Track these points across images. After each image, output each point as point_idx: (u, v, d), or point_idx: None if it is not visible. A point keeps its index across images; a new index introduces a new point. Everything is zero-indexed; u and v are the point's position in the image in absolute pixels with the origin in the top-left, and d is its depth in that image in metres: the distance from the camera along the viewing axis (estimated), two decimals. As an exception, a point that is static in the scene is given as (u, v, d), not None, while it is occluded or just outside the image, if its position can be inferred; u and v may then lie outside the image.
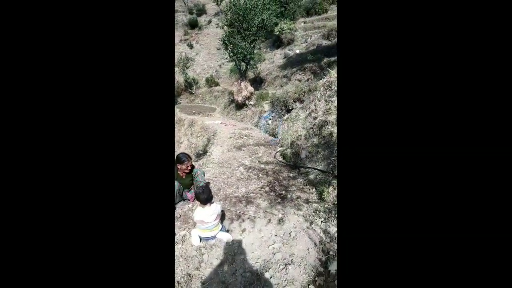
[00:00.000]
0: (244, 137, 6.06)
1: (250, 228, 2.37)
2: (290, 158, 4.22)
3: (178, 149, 7.81)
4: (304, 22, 14.32)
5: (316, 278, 1.78)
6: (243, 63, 10.20)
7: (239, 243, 2.17)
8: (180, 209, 2.71)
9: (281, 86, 9.01)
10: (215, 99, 12.55)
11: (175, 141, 8.54)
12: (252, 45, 9.53)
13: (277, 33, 13.19)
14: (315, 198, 2.91)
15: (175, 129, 8.95)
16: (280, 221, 2.47)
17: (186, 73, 13.86)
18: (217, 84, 13.62)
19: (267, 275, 1.82)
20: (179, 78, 14.40)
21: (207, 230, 2.09)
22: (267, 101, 7.83)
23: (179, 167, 2.74)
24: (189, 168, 2.78)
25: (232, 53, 9.82)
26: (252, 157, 4.56)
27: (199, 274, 1.85)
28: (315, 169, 3.49)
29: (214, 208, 2.13)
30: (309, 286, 1.71)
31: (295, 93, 6.03)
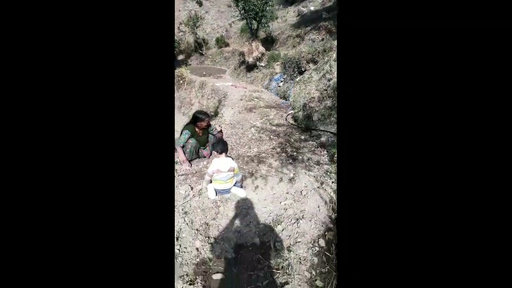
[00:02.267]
0: (255, 99, 5.96)
1: (262, 185, 2.43)
2: (302, 120, 4.16)
3: (190, 111, 7.79)
4: (321, -24, 13.08)
5: (325, 233, 1.85)
6: (254, 21, 9.61)
7: (252, 198, 2.24)
8: (196, 165, 2.78)
9: (294, 46, 8.55)
10: (225, 61, 12.14)
11: (187, 103, 8.48)
12: (264, 1, 8.88)
13: (291, -12, 12.18)
14: (327, 160, 2.91)
15: (186, 91, 8.85)
16: (292, 180, 2.51)
17: (196, 33, 13.24)
18: (227, 45, 13.07)
19: (279, 227, 1.91)
20: (188, 38, 13.82)
21: (222, 182, 2.16)
22: (278, 62, 7.51)
23: (198, 125, 2.79)
24: (207, 125, 2.83)
25: (243, 10, 9.21)
26: (264, 119, 4.51)
27: (215, 224, 1.95)
28: (327, 131, 3.45)
29: (229, 160, 2.19)
30: (319, 240, 1.79)
31: (309, 53, 5.74)
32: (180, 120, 6.81)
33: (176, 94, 9.06)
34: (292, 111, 4.69)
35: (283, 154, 3.10)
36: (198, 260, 1.66)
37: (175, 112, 8.29)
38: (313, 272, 1.56)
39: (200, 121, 2.75)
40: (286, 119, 4.43)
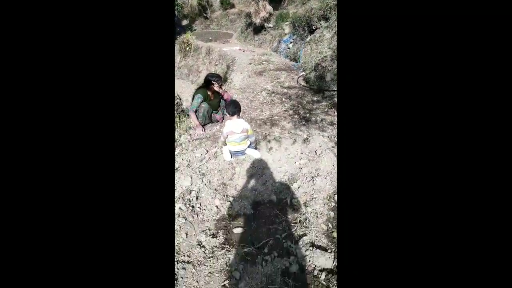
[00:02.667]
0: (264, 62, 5.74)
1: (276, 147, 2.42)
2: (314, 81, 4.00)
3: (198, 79, 7.63)
4: None
5: (340, 189, 1.86)
6: (260, -23, 8.86)
7: (267, 159, 2.25)
8: (210, 129, 2.78)
9: (304, 3, 7.93)
10: (231, 24, 11.53)
11: (195, 71, 8.29)
12: (270, -47, 8.10)
13: None
14: (340, 119, 2.84)
15: (193, 58, 8.59)
16: (305, 141, 2.48)
17: (199, -6, 12.44)
18: (232, 6, 12.29)
19: (295, 185, 1.93)
20: (191, 1, 13.06)
21: (236, 143, 2.17)
22: (287, 22, 7.05)
23: (211, 88, 2.72)
24: (220, 88, 2.77)
25: (248, -35, 8.47)
26: (274, 82, 4.37)
27: (233, 183, 1.99)
28: (340, 91, 3.32)
29: (242, 122, 2.17)
30: (335, 196, 1.81)
31: (320, 9, 5.32)
32: (189, 88, 6.70)
33: (183, 62, 8.82)
34: (303, 73, 4.50)
35: (296, 116, 3.04)
36: (218, 216, 1.73)
37: (184, 80, 8.16)
38: (330, 225, 1.60)
39: (212, 84, 2.69)
40: (297, 81, 4.27)
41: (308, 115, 3.03)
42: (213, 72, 7.02)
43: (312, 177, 1.97)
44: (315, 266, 1.36)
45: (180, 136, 2.66)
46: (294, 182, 1.95)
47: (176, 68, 8.54)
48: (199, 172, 2.10)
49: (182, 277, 1.35)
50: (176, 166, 2.18)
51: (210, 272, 1.37)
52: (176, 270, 1.38)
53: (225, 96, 2.82)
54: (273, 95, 3.75)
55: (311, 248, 1.44)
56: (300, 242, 1.49)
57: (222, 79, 2.78)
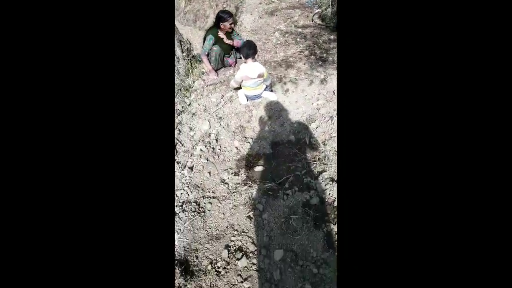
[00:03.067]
0: (276, 1, 5.21)
1: (293, 88, 2.32)
2: (331, 19, 3.63)
3: (205, 25, 7.13)
4: None
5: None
6: None
7: (283, 101, 2.18)
8: (223, 74, 2.67)
9: None
10: (237, -42, 10.24)
11: (202, 16, 7.70)
12: None
13: None
14: (360, 58, 2.63)
15: (199, 1, 7.90)
16: (323, 81, 2.35)
17: None
18: None
19: (313, 125, 1.89)
20: None
21: (252, 88, 2.08)
22: (301, -49, 6.15)
23: (221, 26, 2.53)
24: (232, 28, 2.57)
25: None
26: (287, 21, 4.01)
27: (250, 126, 1.98)
28: (361, 27, 3.01)
29: (257, 65, 2.05)
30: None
31: None
32: (197, 35, 6.30)
33: (188, 7, 8.16)
34: (318, 10, 4.07)
35: (312, 56, 2.83)
36: (238, 157, 1.76)
37: (191, 27, 7.65)
38: (349, 162, 1.59)
39: (223, 21, 2.49)
40: (312, 19, 3.89)
41: (325, 55, 2.82)
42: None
43: (331, 117, 1.91)
44: (335, 198, 1.40)
45: (194, 82, 2.58)
46: (312, 122, 1.91)
47: (181, 14, 7.95)
48: (216, 116, 2.08)
49: (209, 210, 1.43)
50: (193, 111, 2.16)
51: (234, 205, 1.44)
52: (203, 204, 1.47)
53: (235, 43, 2.62)
54: (287, 35, 3.48)
55: (330, 182, 1.46)
56: (320, 178, 1.51)
57: (233, 17, 2.56)
